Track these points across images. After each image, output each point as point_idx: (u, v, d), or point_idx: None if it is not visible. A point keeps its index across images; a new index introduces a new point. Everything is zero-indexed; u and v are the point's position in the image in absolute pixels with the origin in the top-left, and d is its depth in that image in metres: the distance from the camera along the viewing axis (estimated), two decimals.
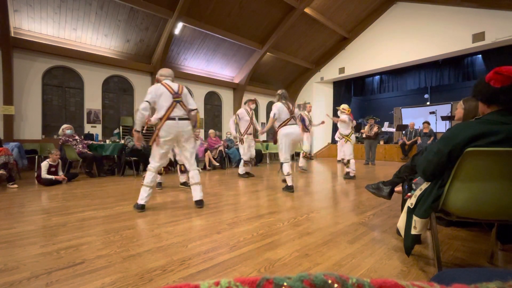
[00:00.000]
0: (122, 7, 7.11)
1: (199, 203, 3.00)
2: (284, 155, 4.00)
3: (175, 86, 2.97)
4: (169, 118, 2.85)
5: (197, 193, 3.02)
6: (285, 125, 4.01)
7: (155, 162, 2.91)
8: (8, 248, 1.86)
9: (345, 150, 5.41)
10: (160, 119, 2.87)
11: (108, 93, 8.28)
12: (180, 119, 2.90)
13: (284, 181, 4.16)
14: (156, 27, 7.94)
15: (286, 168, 3.97)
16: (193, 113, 3.05)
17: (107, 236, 2.09)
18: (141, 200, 2.86)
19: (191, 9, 7.72)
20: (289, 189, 3.96)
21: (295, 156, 6.37)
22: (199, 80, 10.02)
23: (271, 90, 12.65)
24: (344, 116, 5.42)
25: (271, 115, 4.04)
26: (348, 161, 5.31)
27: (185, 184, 4.38)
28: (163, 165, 3.05)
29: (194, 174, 3.02)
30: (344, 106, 5.62)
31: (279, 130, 4.05)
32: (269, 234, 2.13)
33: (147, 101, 2.82)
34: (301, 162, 6.40)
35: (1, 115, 6.41)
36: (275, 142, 4.17)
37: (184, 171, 4.31)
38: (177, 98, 2.92)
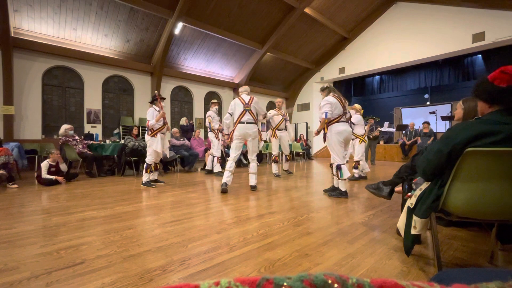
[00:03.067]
0: (122, 7, 7.11)
1: (253, 188, 4.03)
2: (338, 157, 3.48)
3: (247, 98, 4.00)
4: (240, 122, 3.89)
5: (252, 180, 4.04)
6: (337, 121, 3.50)
7: (232, 153, 3.95)
8: (8, 248, 1.86)
9: (357, 150, 5.25)
10: (234, 123, 3.97)
11: (108, 93, 8.28)
12: (247, 123, 3.89)
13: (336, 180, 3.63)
14: (156, 27, 7.94)
15: (346, 171, 3.43)
16: (261, 117, 4.22)
17: (107, 236, 2.09)
18: (223, 179, 3.82)
19: (191, 9, 7.72)
20: (343, 194, 3.49)
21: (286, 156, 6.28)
22: (199, 80, 10.03)
23: (271, 90, 12.66)
24: (357, 117, 5.24)
25: (323, 115, 3.46)
26: (358, 162, 5.20)
27: (157, 181, 4.80)
28: (237, 156, 3.97)
29: (252, 166, 4.06)
30: (357, 105, 5.47)
31: (329, 127, 3.53)
32: (269, 234, 2.13)
33: (228, 112, 4.04)
34: (286, 165, 6.24)
35: (1, 115, 6.42)
36: (325, 140, 3.67)
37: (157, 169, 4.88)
38: (246, 108, 3.92)
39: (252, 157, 4.03)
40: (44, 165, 4.63)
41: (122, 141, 6.48)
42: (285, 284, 0.26)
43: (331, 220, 2.52)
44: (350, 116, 4.12)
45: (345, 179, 3.47)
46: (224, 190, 3.76)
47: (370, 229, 2.27)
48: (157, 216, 2.66)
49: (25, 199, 3.49)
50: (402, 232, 1.65)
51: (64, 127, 5.71)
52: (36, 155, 6.11)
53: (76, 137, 5.80)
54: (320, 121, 3.58)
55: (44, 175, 4.54)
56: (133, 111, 8.76)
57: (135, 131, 6.05)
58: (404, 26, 9.72)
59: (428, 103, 12.33)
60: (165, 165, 6.52)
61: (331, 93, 3.62)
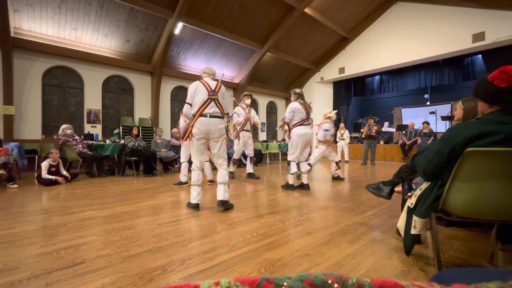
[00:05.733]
0: (122, 7, 7.11)
1: (224, 204, 2.87)
2: (293, 155, 4.03)
3: (213, 84, 2.99)
4: (201, 115, 2.88)
5: (220, 192, 2.89)
6: (300, 125, 4.00)
7: (196, 159, 2.96)
8: (8, 248, 1.86)
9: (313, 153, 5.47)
10: (194, 115, 2.91)
11: (108, 93, 8.28)
12: (211, 116, 2.91)
13: (297, 184, 4.17)
14: (156, 27, 7.94)
15: (293, 167, 4.01)
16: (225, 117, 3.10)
17: (107, 236, 2.09)
18: (193, 200, 2.89)
19: (191, 9, 7.72)
20: (289, 187, 4.06)
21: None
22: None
23: (271, 90, 12.65)
24: (325, 125, 5.30)
25: (284, 118, 4.05)
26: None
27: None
28: (203, 162, 3.10)
29: (221, 173, 3.01)
30: (327, 110, 5.51)
31: (292, 130, 4.04)
32: (269, 234, 2.13)
33: (187, 102, 2.92)
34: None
35: (1, 115, 6.41)
36: (283, 140, 4.22)
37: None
38: (212, 96, 2.93)
39: (219, 161, 3.03)
40: (45, 165, 4.63)
41: (122, 141, 6.48)
42: (285, 284, 0.26)
43: (331, 220, 2.52)
44: (311, 122, 4.39)
45: (292, 174, 4.05)
46: (195, 208, 2.89)
47: (370, 229, 2.27)
48: (157, 216, 2.66)
49: (25, 199, 3.49)
50: (402, 232, 1.65)
51: (62, 127, 5.71)
52: (36, 155, 6.11)
53: (76, 137, 5.80)
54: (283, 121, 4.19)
55: (44, 175, 4.54)
56: (133, 111, 8.75)
57: (135, 131, 6.05)
58: (404, 26, 9.72)
59: (428, 103, 12.33)
60: (165, 165, 6.52)
61: (298, 100, 4.07)
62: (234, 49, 9.88)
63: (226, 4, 8.05)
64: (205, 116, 2.89)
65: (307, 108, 4.08)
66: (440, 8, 8.84)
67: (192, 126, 2.89)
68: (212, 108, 2.92)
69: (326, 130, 5.27)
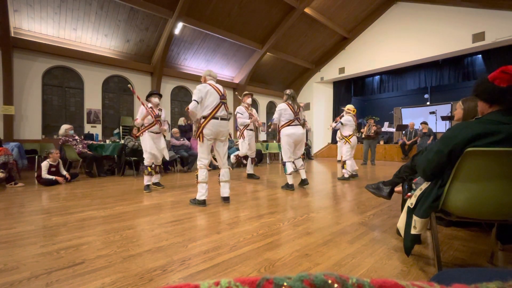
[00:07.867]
0: (122, 7, 7.11)
1: (226, 200, 3.24)
2: (285, 155, 4.13)
3: (220, 87, 3.22)
4: (213, 117, 3.09)
5: (225, 190, 3.24)
6: (288, 125, 4.09)
7: (204, 159, 3.15)
8: (8, 248, 1.86)
9: (343, 151, 5.36)
10: (205, 117, 3.09)
11: (108, 93, 8.28)
12: (222, 119, 3.16)
13: (287, 185, 4.16)
14: (156, 27, 7.95)
15: (289, 167, 4.06)
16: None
17: (107, 236, 2.09)
18: (202, 196, 3.09)
19: (191, 9, 7.72)
20: (289, 187, 4.08)
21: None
22: (199, 80, 10.00)
23: (271, 90, 12.65)
24: (347, 118, 5.31)
25: (273, 119, 4.20)
26: (345, 162, 5.22)
27: (158, 184, 4.39)
28: (209, 160, 3.31)
29: (225, 172, 3.28)
30: (349, 106, 5.49)
31: (281, 130, 4.14)
32: (269, 234, 2.13)
33: (196, 100, 3.01)
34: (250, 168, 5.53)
35: (1, 115, 6.41)
36: (279, 141, 4.29)
37: (158, 172, 4.41)
38: (223, 100, 3.18)
39: (223, 161, 3.30)
40: (45, 165, 4.62)
41: (122, 141, 6.48)
42: (285, 284, 0.26)
43: (331, 220, 2.51)
44: (304, 122, 4.42)
45: (289, 174, 4.05)
46: (203, 204, 3.08)
47: (370, 229, 2.27)
48: (157, 216, 2.66)
49: (25, 199, 3.49)
50: (402, 232, 1.65)
51: (64, 127, 5.71)
52: (36, 155, 6.10)
53: (76, 137, 5.80)
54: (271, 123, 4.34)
55: (44, 175, 4.54)
56: (133, 111, 8.75)
57: (135, 131, 6.05)
58: (404, 26, 9.72)
59: (428, 103, 12.33)
60: (165, 165, 6.52)
61: (287, 101, 4.14)
62: (234, 49, 9.88)
63: (226, 4, 8.05)
64: (217, 118, 3.11)
65: (295, 109, 4.11)
66: (440, 8, 8.84)
67: (203, 127, 3.05)
68: (222, 111, 3.16)
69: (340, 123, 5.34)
